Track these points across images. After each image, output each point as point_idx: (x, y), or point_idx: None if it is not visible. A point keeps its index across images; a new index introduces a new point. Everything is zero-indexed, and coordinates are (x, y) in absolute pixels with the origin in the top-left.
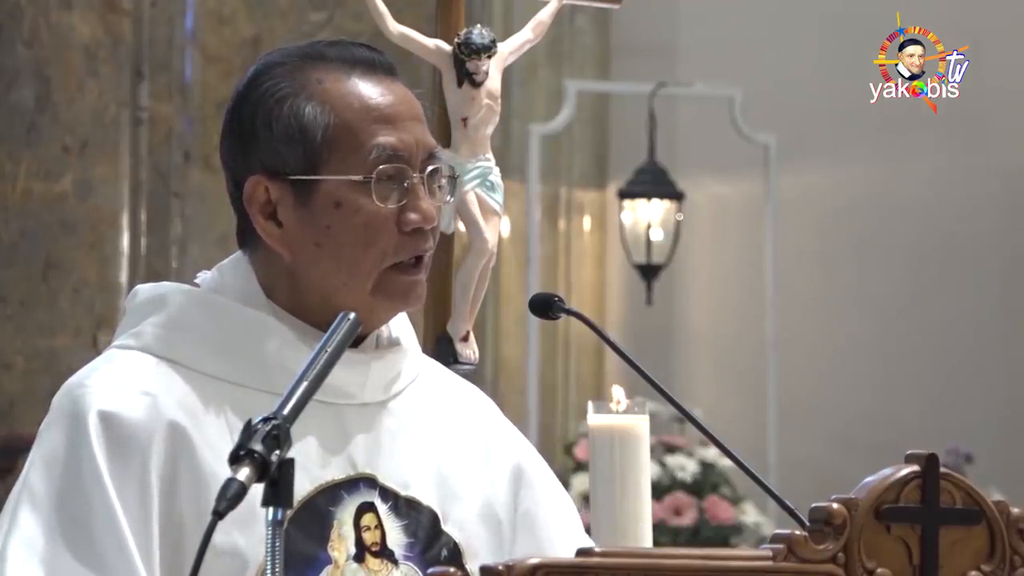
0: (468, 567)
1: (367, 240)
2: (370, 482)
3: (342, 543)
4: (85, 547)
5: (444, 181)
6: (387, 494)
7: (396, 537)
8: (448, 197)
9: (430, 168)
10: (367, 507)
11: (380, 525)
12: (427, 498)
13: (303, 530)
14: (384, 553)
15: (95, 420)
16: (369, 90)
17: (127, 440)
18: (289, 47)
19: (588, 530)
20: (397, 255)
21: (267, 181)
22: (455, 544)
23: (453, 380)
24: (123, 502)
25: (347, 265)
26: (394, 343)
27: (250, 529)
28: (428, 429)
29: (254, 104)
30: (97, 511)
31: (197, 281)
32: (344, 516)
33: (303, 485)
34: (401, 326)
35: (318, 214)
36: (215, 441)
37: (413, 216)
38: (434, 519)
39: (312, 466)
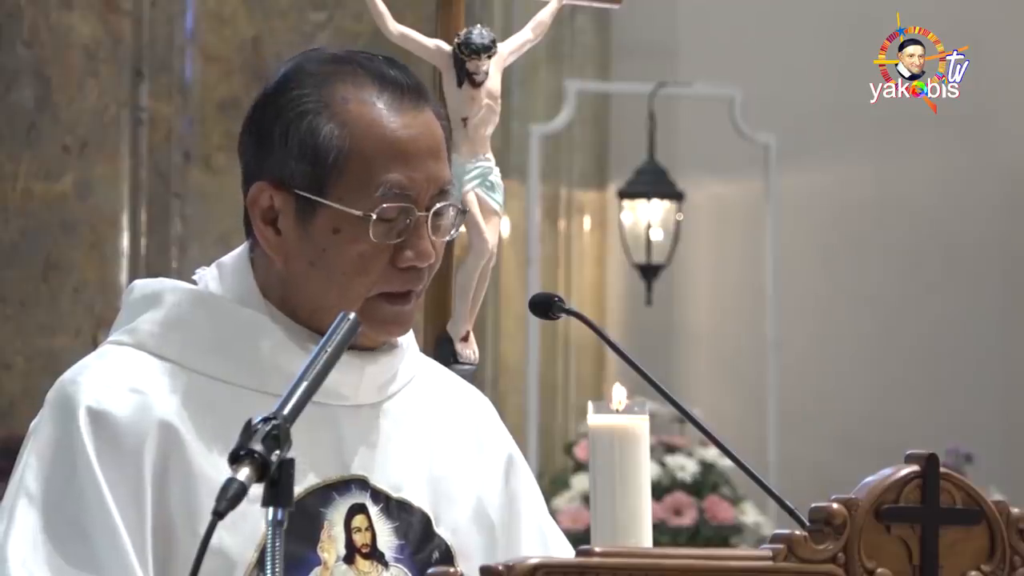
0: (460, 569)
1: (359, 269)
2: (362, 484)
3: (332, 544)
4: (81, 546)
5: (452, 215)
6: (378, 496)
7: (386, 539)
8: (453, 231)
9: (438, 205)
10: (358, 508)
11: (371, 527)
12: (419, 500)
13: (292, 531)
14: (374, 555)
15: (84, 417)
16: (392, 121)
17: (118, 438)
18: (326, 51)
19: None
20: (388, 286)
21: (272, 189)
22: (447, 547)
23: (451, 380)
24: (116, 500)
25: (337, 288)
26: (391, 345)
27: (239, 530)
28: (422, 431)
29: (276, 110)
30: (92, 510)
31: (195, 278)
32: (335, 517)
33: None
34: None
35: (316, 235)
36: (206, 440)
37: (409, 254)
38: (426, 521)
39: (304, 467)
